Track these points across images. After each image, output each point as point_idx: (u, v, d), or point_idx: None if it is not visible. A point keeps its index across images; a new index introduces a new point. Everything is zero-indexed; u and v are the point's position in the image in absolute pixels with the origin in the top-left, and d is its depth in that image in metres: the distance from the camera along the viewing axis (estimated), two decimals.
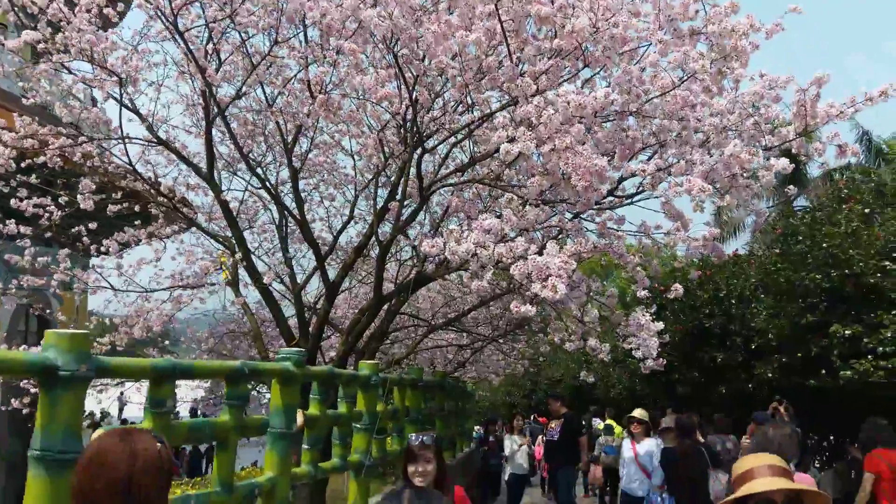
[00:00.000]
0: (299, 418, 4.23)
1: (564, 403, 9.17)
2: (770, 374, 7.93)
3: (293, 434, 4.07)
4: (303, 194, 8.87)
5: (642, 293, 4.79)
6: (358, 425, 5.54)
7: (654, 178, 4.67)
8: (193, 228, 8.15)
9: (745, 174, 4.45)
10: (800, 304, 7.13)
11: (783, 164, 4.33)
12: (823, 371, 6.82)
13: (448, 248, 3.73)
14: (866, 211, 7.19)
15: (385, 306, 7.69)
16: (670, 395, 11.72)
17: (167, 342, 10.35)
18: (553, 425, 8.97)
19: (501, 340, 9.40)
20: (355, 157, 8.07)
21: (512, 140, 3.98)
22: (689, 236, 5.39)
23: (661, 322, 4.45)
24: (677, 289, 4.81)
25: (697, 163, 4.38)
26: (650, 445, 7.01)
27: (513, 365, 13.71)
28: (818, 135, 5.77)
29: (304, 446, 4.51)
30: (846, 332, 6.44)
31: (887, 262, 6.35)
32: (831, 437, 8.94)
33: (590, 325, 4.59)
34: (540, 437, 13.05)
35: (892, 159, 16.52)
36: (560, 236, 4.64)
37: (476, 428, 19.87)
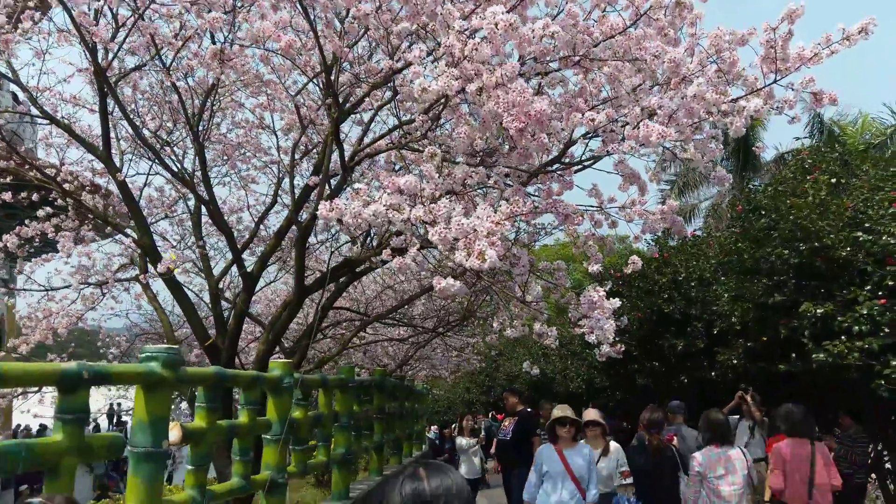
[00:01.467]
0: (173, 433, 3.38)
1: (522, 399, 8.36)
2: (734, 361, 7.35)
3: (165, 453, 3.22)
4: (223, 178, 7.98)
5: (595, 268, 4.08)
6: (268, 436, 4.71)
7: (605, 131, 3.96)
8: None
9: (711, 118, 3.76)
10: (765, 284, 6.55)
11: (755, 105, 3.66)
12: (794, 355, 6.25)
13: (349, 211, 2.93)
14: (832, 181, 6.65)
15: (322, 299, 6.84)
16: (629, 386, 11.14)
17: (73, 346, 9.28)
18: (507, 423, 8.21)
19: (448, 334, 8.62)
20: (278, 134, 7.19)
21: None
22: (646, 210, 4.77)
23: (617, 300, 3.71)
24: (635, 262, 4.10)
25: (656, 108, 3.69)
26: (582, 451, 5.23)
27: (467, 361, 12.99)
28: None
29: (188, 466, 3.66)
30: (818, 311, 5.86)
31: (860, 233, 5.80)
32: None
33: (534, 307, 3.84)
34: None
35: (844, 141, 16.34)
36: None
37: (433, 428, 19.12)
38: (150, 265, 6.76)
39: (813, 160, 7.44)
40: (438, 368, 12.63)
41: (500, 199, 3.43)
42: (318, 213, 3.00)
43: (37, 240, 7.89)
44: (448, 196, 3.32)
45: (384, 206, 3.03)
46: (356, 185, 3.61)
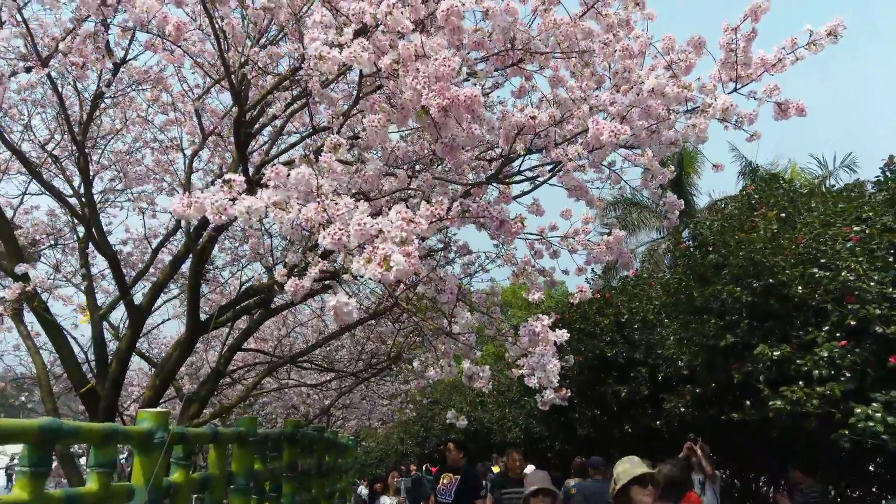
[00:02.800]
0: None
1: (466, 452, 7.07)
2: (682, 409, 6.80)
3: None
4: (122, 202, 7.03)
5: (536, 297, 3.42)
6: None
7: (546, 135, 3.36)
8: None
9: (671, 117, 3.22)
10: (716, 324, 6.06)
11: (723, 103, 3.13)
12: (748, 402, 5.72)
13: (211, 206, 2.17)
14: (783, 215, 6.30)
15: (226, 337, 5.93)
16: (570, 436, 10.48)
17: None
18: (445, 481, 7.01)
19: (375, 380, 7.77)
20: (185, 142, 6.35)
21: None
22: (590, 240, 4.22)
23: (565, 332, 3.02)
24: (584, 290, 3.47)
25: (607, 104, 3.12)
26: None
27: (398, 410, 12.07)
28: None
29: None
30: (773, 353, 5.37)
31: (815, 269, 5.38)
32: (761, 480, 7.87)
33: (464, 341, 3.12)
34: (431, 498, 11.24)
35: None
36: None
37: (361, 484, 17.84)
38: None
39: (760, 196, 7.13)
40: (369, 418, 11.64)
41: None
42: (171, 210, 2.22)
43: None
44: (355, 198, 2.61)
45: (265, 203, 2.29)
46: (227, 176, 2.84)
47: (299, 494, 6.87)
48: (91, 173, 6.64)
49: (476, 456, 10.19)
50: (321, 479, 8.25)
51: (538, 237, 4.40)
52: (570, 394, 3.65)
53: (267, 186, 2.39)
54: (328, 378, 6.98)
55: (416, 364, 3.18)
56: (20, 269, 4.80)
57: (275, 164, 2.34)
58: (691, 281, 6.92)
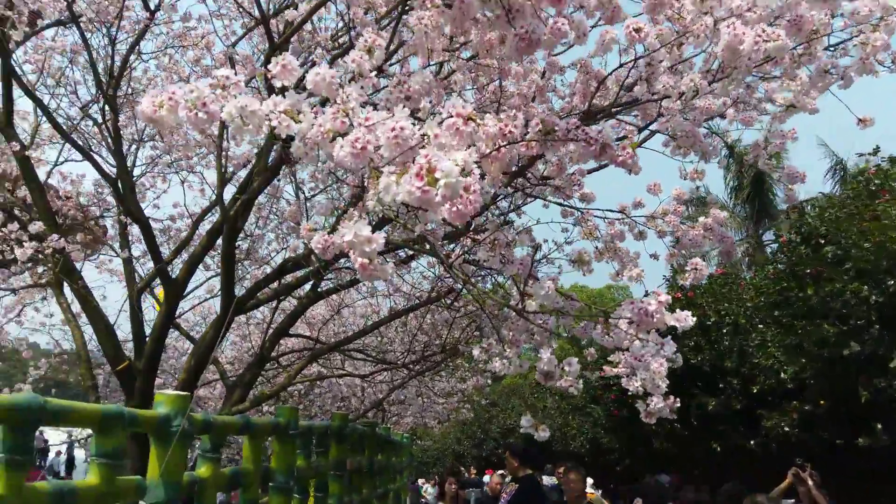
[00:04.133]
0: None
1: (526, 461, 6.21)
2: (786, 428, 5.80)
3: None
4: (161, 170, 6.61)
5: (635, 272, 2.64)
6: (142, 502, 3.20)
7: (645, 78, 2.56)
8: None
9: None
10: (837, 330, 5.06)
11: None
12: (879, 426, 4.71)
13: (190, 100, 1.52)
14: None
15: (271, 320, 5.39)
16: (642, 450, 9.52)
17: None
18: (504, 493, 6.29)
19: (429, 375, 7.10)
20: None
21: None
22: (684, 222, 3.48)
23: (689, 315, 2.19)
24: (698, 267, 2.67)
25: (743, 9, 2.29)
26: None
27: (455, 410, 11.37)
28: None
29: None
30: None
31: None
32: None
33: (540, 324, 2.37)
34: None
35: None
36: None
37: (420, 483, 17.18)
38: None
39: (881, 181, 6.05)
40: (424, 416, 11.00)
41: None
42: (139, 110, 1.57)
43: None
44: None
45: (269, 108, 1.62)
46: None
47: (348, 495, 6.27)
48: (129, 142, 6.28)
49: (542, 463, 9.35)
50: (372, 479, 7.65)
51: (620, 214, 3.64)
52: (678, 404, 2.85)
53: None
54: (378, 369, 6.35)
55: (476, 352, 2.44)
56: (56, 242, 4.36)
57: (284, 57, 1.67)
58: (792, 280, 5.92)
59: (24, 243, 4.23)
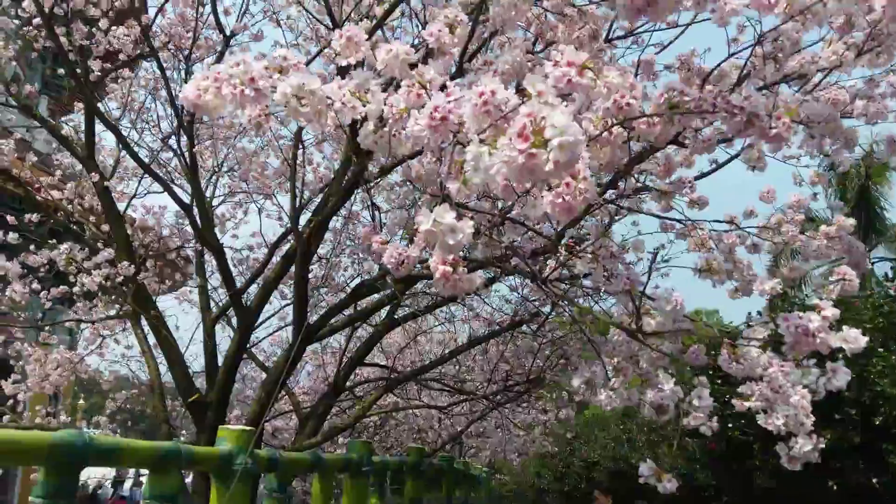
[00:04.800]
0: None
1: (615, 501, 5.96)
2: None
3: None
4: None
5: (768, 287, 2.22)
6: None
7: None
8: None
9: None
10: None
11: None
12: None
13: (238, 76, 1.27)
14: None
15: (345, 347, 5.17)
16: (745, 489, 8.68)
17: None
18: None
19: (510, 407, 6.69)
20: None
21: None
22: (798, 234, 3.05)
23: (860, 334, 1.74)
24: (846, 275, 2.22)
25: None
26: None
27: (536, 442, 10.84)
28: None
29: None
30: None
31: None
32: None
33: (658, 346, 1.98)
34: None
35: None
36: None
37: None
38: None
39: None
40: (503, 449, 10.52)
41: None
42: (181, 96, 1.33)
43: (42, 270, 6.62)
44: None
45: (333, 88, 1.35)
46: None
47: None
48: (209, 172, 6.28)
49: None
50: None
51: (730, 224, 3.26)
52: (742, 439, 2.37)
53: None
54: (456, 400, 6.00)
55: (575, 382, 2.07)
56: (126, 269, 4.30)
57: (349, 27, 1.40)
58: None
59: (92, 272, 4.17)
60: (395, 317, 5.55)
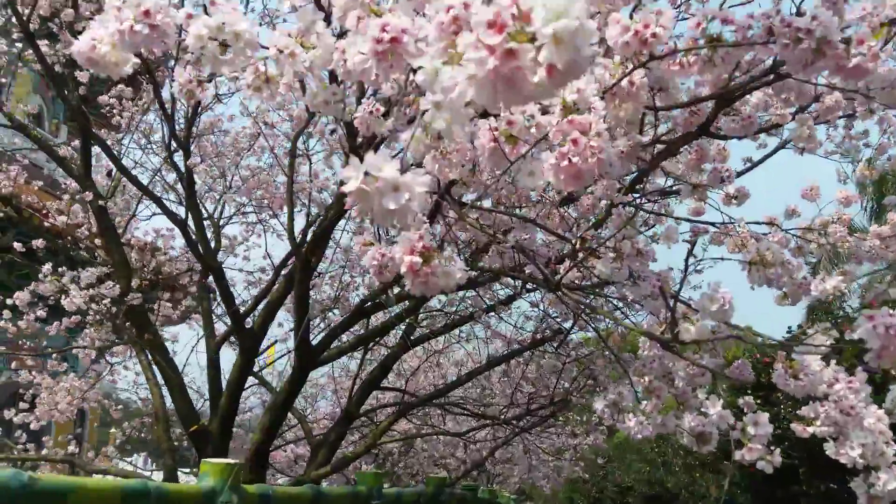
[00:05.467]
0: None
1: None
2: None
3: None
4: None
5: (830, 286, 1.85)
6: None
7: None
8: None
9: None
10: None
11: None
12: None
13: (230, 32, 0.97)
14: None
15: (358, 371, 4.86)
16: None
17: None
18: None
19: (535, 432, 6.27)
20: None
21: None
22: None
23: None
24: None
25: None
26: None
27: (564, 468, 10.32)
28: None
29: None
30: None
31: None
32: None
33: (696, 361, 1.61)
34: None
35: None
36: None
37: None
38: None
39: None
40: (532, 475, 10.03)
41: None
42: (74, 51, 1.04)
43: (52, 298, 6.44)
44: None
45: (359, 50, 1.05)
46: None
47: None
48: (219, 193, 6.06)
49: None
50: None
51: (771, 226, 2.93)
52: (784, 458, 1.97)
53: None
54: (477, 426, 5.62)
55: (598, 406, 1.72)
56: (110, 290, 4.07)
57: None
58: None
59: (70, 292, 3.93)
60: (411, 337, 5.23)
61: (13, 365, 6.18)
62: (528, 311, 5.13)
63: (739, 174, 3.06)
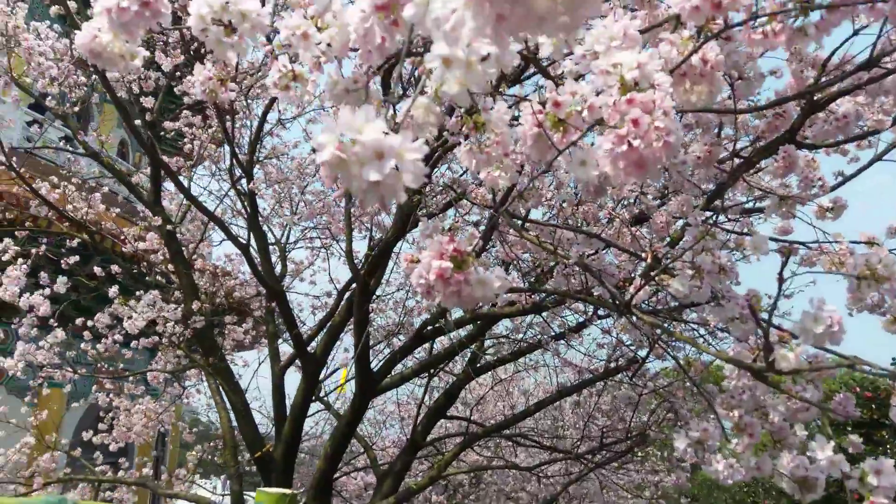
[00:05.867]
0: None
1: None
2: None
3: None
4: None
5: None
6: None
7: None
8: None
9: None
10: None
11: None
12: None
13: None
14: None
15: (423, 396, 4.72)
16: None
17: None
18: None
19: (610, 468, 5.89)
20: None
21: None
22: None
23: None
24: None
25: None
26: None
27: None
28: None
29: None
30: None
31: None
32: None
33: (799, 394, 1.36)
34: None
35: None
36: None
37: None
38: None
39: None
40: None
41: None
42: (77, 44, 0.95)
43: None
44: None
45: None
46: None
47: None
48: (286, 219, 6.11)
49: None
50: None
51: (869, 247, 2.54)
52: None
53: None
54: (547, 461, 5.32)
55: (679, 445, 1.49)
56: (172, 313, 4.11)
57: None
58: None
59: (133, 315, 3.97)
60: (476, 364, 5.04)
61: (94, 388, 6.37)
62: (599, 339, 4.85)
63: (832, 189, 2.74)
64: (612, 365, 4.33)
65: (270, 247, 5.66)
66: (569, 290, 2.66)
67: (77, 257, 5.15)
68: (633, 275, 2.22)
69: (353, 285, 5.32)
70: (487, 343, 5.25)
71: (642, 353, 3.53)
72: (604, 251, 2.81)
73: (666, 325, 2.27)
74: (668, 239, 2.54)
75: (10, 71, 4.18)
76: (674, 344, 4.23)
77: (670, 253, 2.24)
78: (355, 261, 3.93)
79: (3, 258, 4.58)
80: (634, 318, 1.77)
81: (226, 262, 7.04)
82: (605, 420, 5.66)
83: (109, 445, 6.20)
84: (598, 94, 0.92)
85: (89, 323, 5.36)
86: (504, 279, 0.86)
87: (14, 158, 4.61)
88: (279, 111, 4.83)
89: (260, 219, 4.78)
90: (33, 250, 4.88)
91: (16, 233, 4.97)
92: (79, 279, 4.81)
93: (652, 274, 1.55)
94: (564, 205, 2.10)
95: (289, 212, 6.11)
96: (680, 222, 2.78)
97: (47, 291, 4.43)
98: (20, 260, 4.47)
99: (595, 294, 2.59)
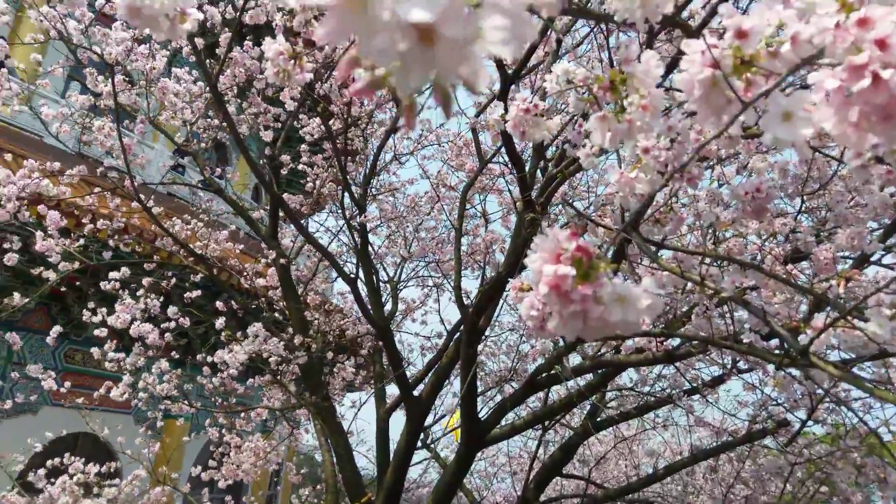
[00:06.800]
0: None
1: None
2: None
3: None
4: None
5: None
6: None
7: None
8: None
9: None
10: None
11: None
12: None
13: None
14: None
15: (536, 451, 4.35)
16: None
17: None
18: None
19: None
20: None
21: None
22: None
23: None
24: None
25: None
26: None
27: None
28: None
29: None
30: None
31: None
32: None
33: None
34: None
35: None
36: None
37: None
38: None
39: None
40: None
41: None
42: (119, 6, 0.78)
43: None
44: None
45: None
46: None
47: None
48: (399, 258, 6.01)
49: None
50: None
51: None
52: None
53: None
54: None
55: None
56: (276, 346, 4.03)
57: None
58: None
59: (234, 349, 3.90)
60: (596, 419, 4.58)
61: (207, 422, 6.48)
62: (741, 395, 4.23)
63: None
64: (758, 426, 3.73)
65: (382, 284, 5.55)
66: (711, 336, 2.24)
67: (199, 291, 5.27)
68: (799, 316, 1.79)
69: (463, 325, 5.06)
70: (609, 395, 4.78)
71: (799, 414, 2.96)
72: (751, 292, 2.37)
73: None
74: (833, 279, 2.07)
75: (149, 113, 4.39)
76: (835, 408, 3.58)
77: (849, 295, 1.79)
78: (466, 301, 3.67)
79: (138, 293, 4.75)
80: (811, 369, 1.36)
81: (340, 300, 7.05)
82: (747, 490, 4.94)
83: (219, 482, 6.23)
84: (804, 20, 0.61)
85: (209, 358, 5.48)
86: (655, 296, 0.55)
87: (152, 196, 4.84)
88: (395, 145, 4.75)
89: (373, 256, 4.68)
90: (163, 283, 5.03)
91: (144, 265, 5.18)
92: (190, 310, 4.89)
93: (841, 315, 1.15)
94: (709, 230, 1.72)
95: (401, 249, 6.01)
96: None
97: (172, 324, 4.52)
98: (151, 295, 4.61)
99: (744, 341, 2.15)
